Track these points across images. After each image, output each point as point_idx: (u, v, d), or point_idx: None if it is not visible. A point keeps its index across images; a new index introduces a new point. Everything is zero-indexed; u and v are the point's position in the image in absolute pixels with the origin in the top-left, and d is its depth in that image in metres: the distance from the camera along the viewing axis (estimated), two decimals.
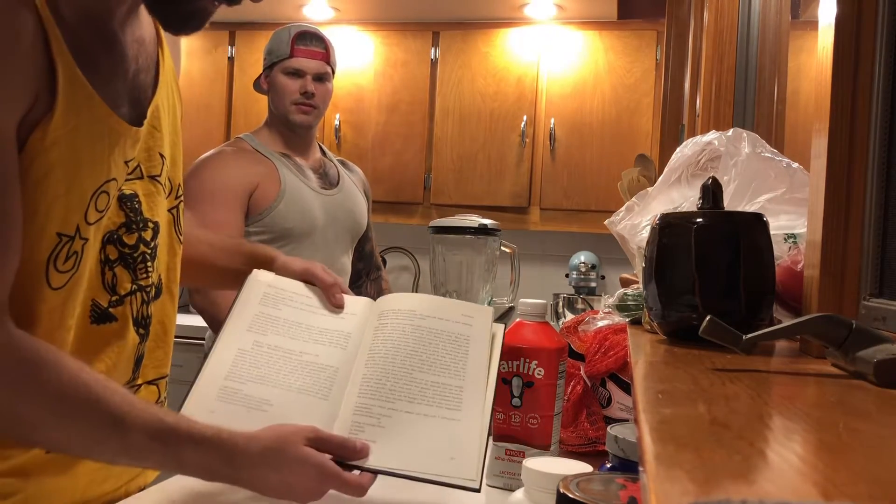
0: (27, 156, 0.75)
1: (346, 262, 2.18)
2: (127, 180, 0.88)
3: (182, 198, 1.01)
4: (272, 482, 0.83)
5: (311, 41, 2.09)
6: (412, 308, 1.01)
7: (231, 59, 3.47)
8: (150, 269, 0.93)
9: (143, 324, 0.93)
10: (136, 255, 0.90)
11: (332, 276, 1.08)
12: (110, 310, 0.88)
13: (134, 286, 0.91)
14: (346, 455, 0.87)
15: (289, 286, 1.06)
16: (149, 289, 0.94)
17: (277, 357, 0.97)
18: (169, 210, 0.97)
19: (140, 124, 0.88)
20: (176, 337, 1.05)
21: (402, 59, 3.34)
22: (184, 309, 2.17)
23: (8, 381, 0.75)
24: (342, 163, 2.29)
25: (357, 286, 2.31)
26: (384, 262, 2.96)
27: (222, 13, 0.83)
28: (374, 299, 1.07)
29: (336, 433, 0.89)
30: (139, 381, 0.95)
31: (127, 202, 0.88)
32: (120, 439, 0.79)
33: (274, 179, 2.02)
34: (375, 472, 0.87)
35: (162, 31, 0.94)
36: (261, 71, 2.16)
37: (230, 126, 3.46)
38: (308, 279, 1.07)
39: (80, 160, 0.79)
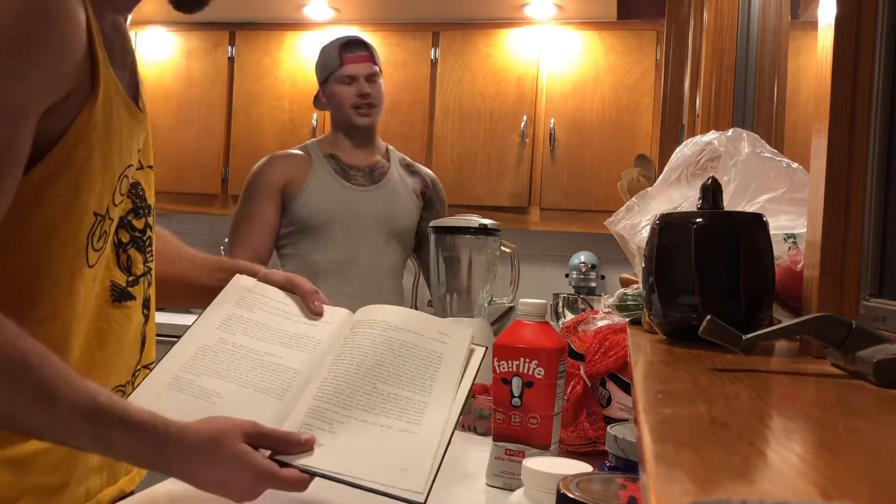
0: (71, 138, 0.80)
1: (384, 258, 2.21)
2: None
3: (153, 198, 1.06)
4: (203, 477, 0.79)
5: (357, 47, 2.22)
6: (387, 319, 0.98)
7: (231, 59, 3.47)
8: (152, 252, 0.99)
9: (146, 305, 0.97)
10: (144, 238, 0.96)
11: (312, 286, 1.07)
12: (128, 289, 0.93)
13: (145, 268, 0.96)
14: (288, 448, 0.82)
15: (268, 292, 1.05)
16: (151, 273, 0.98)
17: (240, 355, 0.94)
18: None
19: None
20: (170, 336, 1.07)
21: (402, 60, 3.33)
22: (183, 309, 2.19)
23: None
24: (407, 166, 2.35)
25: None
26: None
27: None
28: None
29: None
30: (140, 365, 0.97)
31: (133, 189, 0.93)
32: (49, 413, 0.75)
33: (303, 174, 2.17)
34: (316, 475, 0.82)
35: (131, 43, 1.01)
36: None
37: (230, 126, 3.46)
38: (289, 288, 1.07)
39: (111, 144, 0.85)
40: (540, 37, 3.24)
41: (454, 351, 0.97)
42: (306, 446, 0.83)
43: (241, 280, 1.06)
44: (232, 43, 3.47)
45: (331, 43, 2.26)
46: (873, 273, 0.66)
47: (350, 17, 3.35)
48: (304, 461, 0.82)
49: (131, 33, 0.96)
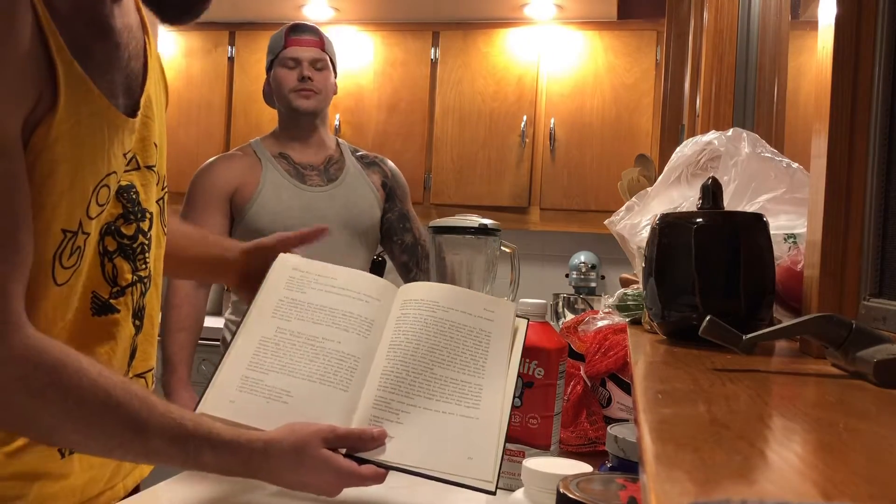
0: (32, 153, 0.75)
1: (348, 261, 2.11)
2: (124, 172, 0.88)
3: (167, 189, 1.01)
4: (289, 481, 0.86)
5: (305, 32, 2.11)
6: (435, 299, 1.00)
7: (231, 59, 3.47)
8: (147, 259, 0.93)
9: (139, 315, 0.94)
10: (135, 245, 0.91)
11: (292, 233, 1.14)
12: (111, 301, 0.88)
13: (134, 277, 0.91)
14: (363, 445, 0.88)
15: (314, 269, 1.05)
16: (146, 279, 0.94)
17: (300, 344, 0.96)
18: (157, 201, 0.97)
19: (134, 115, 0.88)
20: None
21: (401, 59, 3.33)
22: None
23: (26, 387, 0.74)
24: (362, 157, 2.22)
25: (410, 280, 2.26)
26: (384, 262, 2.96)
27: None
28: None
29: (354, 427, 0.90)
30: (130, 375, 0.95)
31: (124, 193, 0.88)
32: (141, 444, 0.80)
33: (253, 181, 2.04)
34: (390, 469, 0.88)
35: (145, 16, 0.94)
36: (264, 79, 2.17)
37: (230, 126, 3.46)
38: (281, 248, 1.10)
39: (81, 155, 0.79)
40: (540, 37, 3.24)
41: (500, 328, 0.99)
42: (379, 441, 0.89)
43: (286, 259, 1.06)
44: (232, 43, 3.47)
45: (281, 27, 2.15)
46: (873, 273, 0.66)
47: (350, 17, 3.35)
48: (381, 457, 0.88)
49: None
